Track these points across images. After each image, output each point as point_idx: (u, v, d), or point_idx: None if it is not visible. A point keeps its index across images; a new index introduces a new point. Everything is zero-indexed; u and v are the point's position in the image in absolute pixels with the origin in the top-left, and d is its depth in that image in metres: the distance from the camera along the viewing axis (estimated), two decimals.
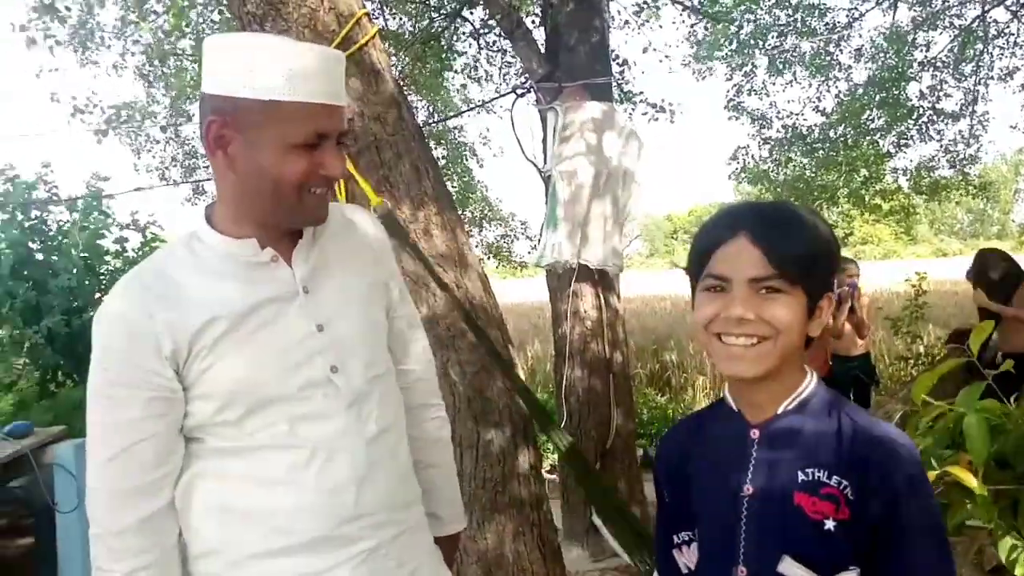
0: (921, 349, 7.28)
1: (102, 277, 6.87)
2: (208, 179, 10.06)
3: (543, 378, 7.97)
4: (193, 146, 10.27)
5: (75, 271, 6.54)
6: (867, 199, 11.64)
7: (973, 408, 1.88)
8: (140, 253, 6.63)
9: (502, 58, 9.05)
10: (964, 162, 10.72)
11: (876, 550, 1.00)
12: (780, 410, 1.08)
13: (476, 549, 2.57)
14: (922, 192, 11.54)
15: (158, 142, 10.09)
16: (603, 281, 4.49)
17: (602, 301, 4.47)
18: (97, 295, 6.70)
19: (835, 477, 1.01)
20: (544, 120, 4.56)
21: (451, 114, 9.46)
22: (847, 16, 9.98)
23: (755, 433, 1.09)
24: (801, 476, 1.03)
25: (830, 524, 1.00)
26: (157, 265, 1.26)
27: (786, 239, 1.01)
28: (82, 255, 6.73)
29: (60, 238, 6.75)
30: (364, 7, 2.49)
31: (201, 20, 7.62)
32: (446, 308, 2.55)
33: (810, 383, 1.09)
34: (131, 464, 1.19)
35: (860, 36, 10.32)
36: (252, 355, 1.21)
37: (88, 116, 8.77)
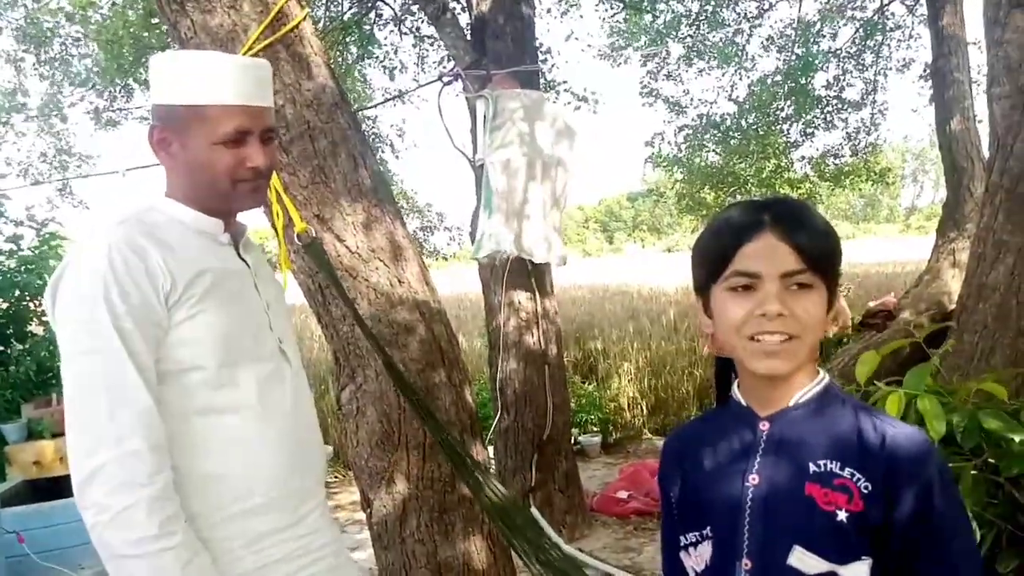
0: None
1: None
2: (78, 176, 9.54)
3: (472, 371, 7.89)
4: (68, 141, 9.63)
5: None
6: (777, 187, 12.03)
7: (923, 388, 1.92)
8: (38, 252, 6.15)
9: (420, 47, 8.88)
10: (866, 150, 11.23)
11: (912, 543, 1.00)
12: (792, 402, 1.07)
13: (425, 552, 2.49)
14: (827, 179, 12.02)
15: (24, 135, 9.30)
16: (536, 272, 4.45)
17: (536, 292, 4.44)
18: None
19: (848, 469, 1.01)
20: (473, 109, 4.47)
21: (371, 104, 9.23)
22: (757, 8, 10.28)
23: (764, 425, 1.08)
24: (812, 467, 1.02)
25: (842, 515, 0.99)
26: (135, 218, 1.34)
27: (812, 233, 1.02)
28: None
29: None
30: None
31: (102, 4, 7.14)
32: (387, 304, 2.44)
33: (823, 378, 1.09)
34: (150, 389, 1.24)
35: (771, 27, 10.64)
36: (230, 313, 1.35)
37: None
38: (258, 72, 1.40)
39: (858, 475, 1.00)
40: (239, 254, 1.46)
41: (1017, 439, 1.78)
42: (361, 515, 2.57)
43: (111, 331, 1.21)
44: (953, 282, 5.83)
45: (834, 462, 1.01)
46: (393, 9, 8.07)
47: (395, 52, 9.00)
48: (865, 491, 0.99)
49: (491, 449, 4.74)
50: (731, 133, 11.01)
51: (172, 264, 1.28)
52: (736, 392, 1.13)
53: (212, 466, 1.32)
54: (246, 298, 1.41)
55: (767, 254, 1.01)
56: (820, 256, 1.02)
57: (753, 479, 1.06)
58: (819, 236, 1.02)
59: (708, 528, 1.09)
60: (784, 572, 1.01)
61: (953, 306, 4.69)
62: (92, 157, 10.03)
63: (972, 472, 1.86)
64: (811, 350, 1.04)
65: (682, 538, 1.13)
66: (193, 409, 1.31)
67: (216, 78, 1.33)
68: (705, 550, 1.09)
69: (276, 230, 2.39)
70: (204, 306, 1.30)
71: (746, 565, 1.04)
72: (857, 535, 0.99)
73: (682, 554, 1.13)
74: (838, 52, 10.44)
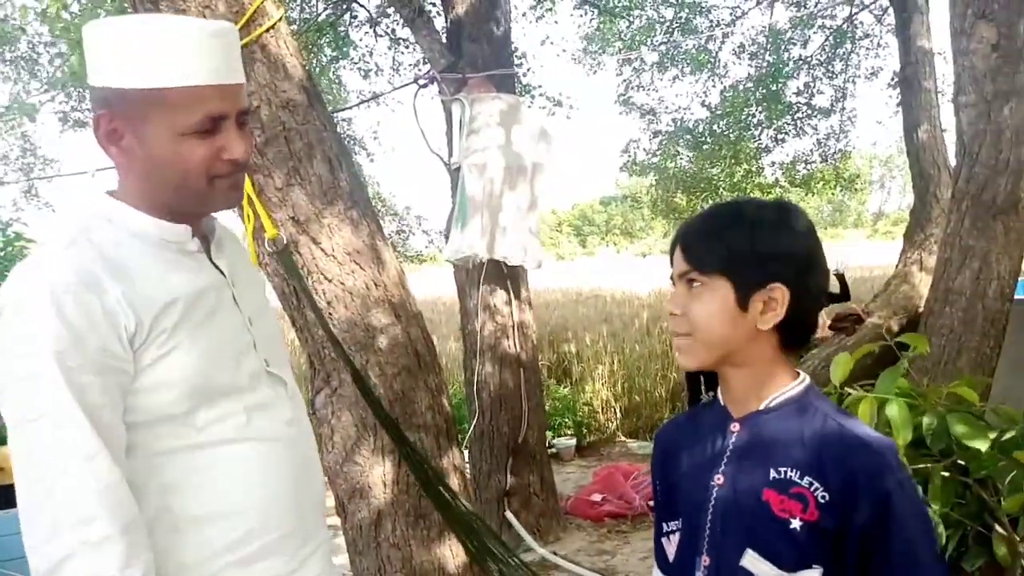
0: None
1: None
2: (47, 177, 9.35)
3: (446, 374, 7.86)
4: (32, 142, 9.50)
5: None
6: (748, 191, 12.17)
7: (893, 392, 1.95)
8: (2, 253, 6.05)
9: (395, 49, 8.86)
10: (836, 156, 11.40)
11: (871, 551, 1.00)
12: (762, 406, 1.09)
13: (400, 557, 2.47)
14: (797, 185, 12.18)
15: None
16: (512, 275, 4.46)
17: (512, 295, 4.44)
18: None
19: (807, 478, 1.02)
20: (449, 112, 4.47)
21: (346, 105, 9.18)
22: (730, 15, 10.40)
23: (735, 426, 1.11)
24: (773, 473, 1.04)
25: (796, 523, 1.01)
26: (85, 236, 1.10)
27: (702, 234, 1.08)
28: None
29: None
30: None
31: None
32: (363, 307, 2.43)
33: (800, 383, 1.10)
34: (113, 455, 1.04)
35: (743, 35, 10.78)
36: (206, 343, 1.14)
37: None
38: (227, 40, 1.12)
39: (816, 484, 1.01)
40: (211, 260, 1.23)
41: (983, 447, 1.81)
42: (335, 520, 2.55)
43: (64, 391, 1.00)
44: (921, 286, 5.93)
45: (794, 470, 1.03)
46: (368, 11, 8.05)
47: (370, 54, 8.98)
48: (822, 500, 1.00)
49: (466, 453, 4.74)
50: (704, 138, 11.12)
51: (134, 297, 1.07)
52: (719, 391, 1.16)
53: (205, 508, 1.15)
54: (224, 318, 1.20)
55: (675, 257, 1.10)
56: (707, 256, 1.05)
57: (719, 479, 1.09)
58: (712, 237, 1.06)
59: (679, 520, 1.14)
60: (736, 572, 1.05)
61: (922, 309, 4.77)
62: (56, 161, 9.91)
63: (942, 473, 1.90)
64: (715, 347, 1.06)
65: (664, 525, 1.18)
66: (176, 447, 1.13)
67: (177, 52, 1.06)
68: (677, 540, 1.15)
69: (247, 232, 2.37)
70: (176, 341, 1.10)
71: (705, 561, 1.09)
72: (810, 544, 1.00)
73: (663, 539, 1.19)
74: (808, 60, 10.58)
